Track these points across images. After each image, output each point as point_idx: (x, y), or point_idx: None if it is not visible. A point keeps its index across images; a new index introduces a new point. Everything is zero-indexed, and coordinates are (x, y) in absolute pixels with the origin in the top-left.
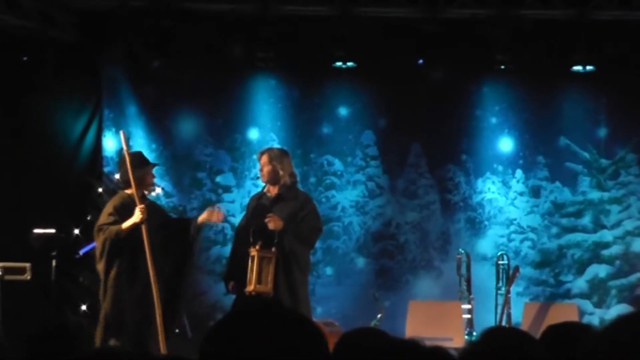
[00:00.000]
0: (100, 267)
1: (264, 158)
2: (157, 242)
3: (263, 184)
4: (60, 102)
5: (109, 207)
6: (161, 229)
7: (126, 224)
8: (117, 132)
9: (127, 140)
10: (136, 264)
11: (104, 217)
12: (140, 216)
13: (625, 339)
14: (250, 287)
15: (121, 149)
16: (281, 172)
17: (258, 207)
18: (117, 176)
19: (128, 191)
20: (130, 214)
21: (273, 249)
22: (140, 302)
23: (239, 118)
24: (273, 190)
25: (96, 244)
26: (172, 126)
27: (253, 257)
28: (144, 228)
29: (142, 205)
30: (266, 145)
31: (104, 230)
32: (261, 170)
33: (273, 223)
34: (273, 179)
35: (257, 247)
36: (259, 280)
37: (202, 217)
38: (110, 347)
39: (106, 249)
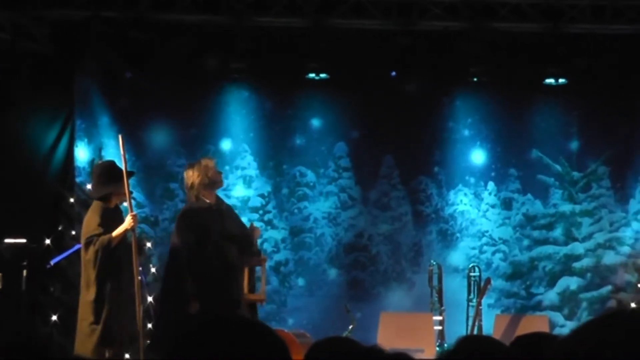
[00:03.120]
0: (92, 278)
1: None
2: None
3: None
4: (33, 112)
5: (95, 219)
6: None
7: (117, 232)
8: (89, 143)
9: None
10: (127, 274)
11: (92, 229)
12: (132, 223)
13: (589, 344)
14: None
15: (93, 160)
16: None
17: (222, 217)
18: (89, 186)
19: (102, 202)
20: (112, 224)
21: (263, 256)
22: (131, 311)
23: (211, 129)
24: (212, 198)
25: (86, 256)
26: (144, 137)
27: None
28: (133, 236)
29: (135, 213)
30: (238, 156)
31: (94, 242)
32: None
33: (256, 232)
34: None
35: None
36: (251, 290)
37: None
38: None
39: (99, 259)
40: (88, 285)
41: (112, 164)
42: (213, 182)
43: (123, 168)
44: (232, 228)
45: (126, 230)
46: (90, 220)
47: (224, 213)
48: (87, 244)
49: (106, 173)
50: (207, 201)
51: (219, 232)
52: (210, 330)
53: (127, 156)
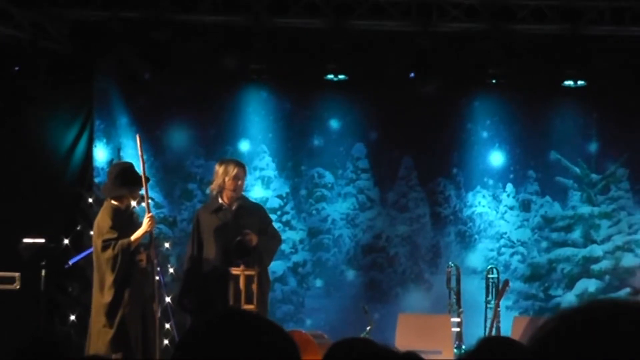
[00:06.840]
0: (110, 281)
1: (244, 171)
2: None
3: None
4: (52, 112)
5: (107, 220)
6: None
7: (136, 235)
8: (107, 143)
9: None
10: (143, 276)
11: (105, 231)
12: (150, 224)
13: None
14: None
15: (112, 160)
16: None
17: (223, 222)
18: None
19: (115, 202)
20: (124, 225)
21: (256, 267)
22: (146, 315)
23: (230, 130)
24: (230, 202)
25: (101, 258)
26: (163, 137)
27: (237, 277)
28: (151, 238)
29: (151, 214)
30: (257, 157)
31: (113, 246)
32: (239, 184)
33: (250, 240)
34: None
35: (241, 266)
36: (247, 300)
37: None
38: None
39: (118, 263)
40: (102, 287)
41: (130, 166)
42: (222, 188)
43: (141, 169)
44: (231, 233)
45: (145, 233)
46: (102, 222)
47: (232, 216)
48: (105, 247)
49: (122, 175)
50: (220, 202)
51: (214, 237)
52: (219, 327)
53: (145, 156)
